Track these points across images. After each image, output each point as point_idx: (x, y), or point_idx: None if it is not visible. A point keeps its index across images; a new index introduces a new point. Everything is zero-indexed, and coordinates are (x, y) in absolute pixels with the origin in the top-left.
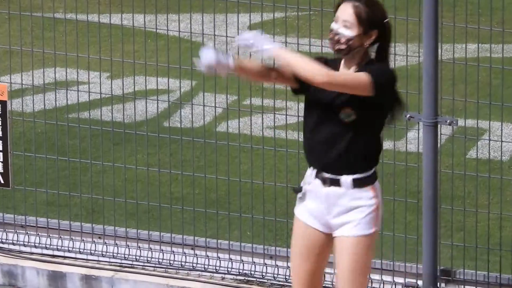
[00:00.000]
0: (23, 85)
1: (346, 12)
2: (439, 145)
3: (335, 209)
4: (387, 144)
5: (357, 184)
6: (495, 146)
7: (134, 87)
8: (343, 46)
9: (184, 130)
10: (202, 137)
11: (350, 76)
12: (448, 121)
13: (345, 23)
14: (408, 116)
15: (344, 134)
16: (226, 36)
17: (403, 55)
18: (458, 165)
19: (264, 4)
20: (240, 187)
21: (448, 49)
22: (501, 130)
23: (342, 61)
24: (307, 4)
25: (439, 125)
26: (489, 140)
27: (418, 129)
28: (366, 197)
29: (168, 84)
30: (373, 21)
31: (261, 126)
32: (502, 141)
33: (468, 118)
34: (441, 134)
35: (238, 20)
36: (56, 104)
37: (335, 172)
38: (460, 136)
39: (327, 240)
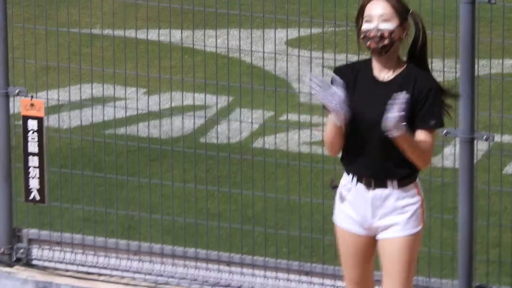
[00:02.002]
0: (60, 101)
1: (380, 7)
2: (475, 160)
3: (380, 211)
4: None
5: (402, 184)
6: None
7: (171, 103)
8: (386, 41)
9: (221, 146)
10: (239, 153)
11: (430, 147)
12: (484, 137)
13: (383, 17)
14: (444, 131)
15: (389, 145)
16: (263, 52)
17: (440, 70)
18: (494, 181)
19: (301, 20)
20: (276, 203)
21: (485, 65)
22: None
23: (374, 65)
24: (344, 20)
25: (475, 141)
26: None
27: (455, 145)
28: (410, 195)
29: (205, 99)
30: (405, 11)
31: (297, 142)
32: None
33: (504, 134)
34: (477, 149)
35: (275, 35)
36: (92, 120)
37: (380, 176)
38: (497, 152)
39: (371, 243)
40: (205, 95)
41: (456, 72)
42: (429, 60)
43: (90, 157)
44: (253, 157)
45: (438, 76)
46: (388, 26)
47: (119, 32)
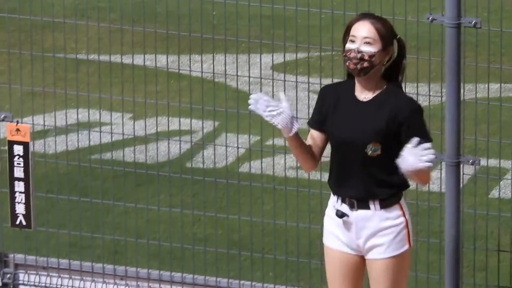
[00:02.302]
0: (46, 126)
1: (365, 29)
2: (461, 184)
3: (365, 232)
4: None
5: (385, 205)
6: None
7: (157, 128)
8: (366, 64)
9: (207, 170)
10: (225, 178)
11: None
12: (470, 161)
13: (366, 39)
14: None
15: (370, 164)
16: (249, 77)
17: (426, 95)
18: (480, 204)
19: (287, 45)
20: (262, 228)
21: (471, 89)
22: None
23: (356, 85)
24: (329, 45)
25: (461, 165)
26: None
27: (441, 169)
28: (394, 217)
29: (191, 124)
30: (390, 37)
31: (283, 167)
32: None
33: (490, 158)
34: (463, 174)
35: (261, 60)
36: (78, 145)
37: (362, 197)
38: (483, 176)
39: (360, 262)
40: (191, 120)
41: (442, 97)
42: (415, 84)
43: (76, 182)
44: (239, 181)
45: (424, 101)
46: (370, 49)
47: (104, 57)
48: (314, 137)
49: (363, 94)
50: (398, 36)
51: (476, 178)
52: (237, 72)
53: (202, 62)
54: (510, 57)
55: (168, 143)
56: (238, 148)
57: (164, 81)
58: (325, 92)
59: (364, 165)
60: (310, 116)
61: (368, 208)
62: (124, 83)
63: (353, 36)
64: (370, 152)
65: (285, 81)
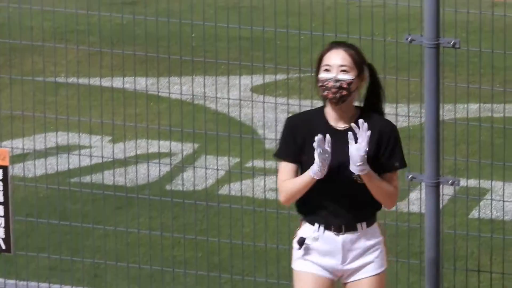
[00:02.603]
0: (25, 150)
1: (340, 57)
2: (441, 205)
3: (351, 255)
4: None
5: (370, 223)
6: (497, 206)
7: (136, 151)
8: (345, 92)
9: (187, 193)
10: (205, 200)
11: (396, 187)
12: (450, 181)
13: (342, 67)
14: (410, 176)
15: (357, 189)
16: (228, 99)
17: (405, 115)
18: (460, 225)
19: (266, 66)
20: (242, 250)
21: (450, 109)
22: (503, 190)
23: (329, 113)
24: (309, 66)
25: (441, 186)
26: (491, 200)
27: (421, 190)
28: (375, 233)
29: (170, 147)
30: (363, 63)
31: (263, 189)
32: (504, 201)
33: (470, 178)
34: (443, 194)
35: (240, 82)
36: (58, 168)
37: (349, 221)
38: (462, 196)
39: (334, 286)
40: (170, 142)
41: (421, 117)
42: (394, 105)
43: (56, 205)
44: (219, 204)
45: (403, 121)
46: (347, 77)
47: (83, 80)
48: (292, 170)
49: (339, 123)
50: (368, 62)
51: (455, 199)
52: (216, 94)
53: (181, 84)
54: (489, 77)
55: (148, 166)
56: (217, 170)
57: (143, 103)
58: (294, 123)
59: (351, 191)
60: (280, 149)
61: (355, 229)
62: (103, 106)
63: (328, 65)
64: (357, 179)
65: (264, 102)
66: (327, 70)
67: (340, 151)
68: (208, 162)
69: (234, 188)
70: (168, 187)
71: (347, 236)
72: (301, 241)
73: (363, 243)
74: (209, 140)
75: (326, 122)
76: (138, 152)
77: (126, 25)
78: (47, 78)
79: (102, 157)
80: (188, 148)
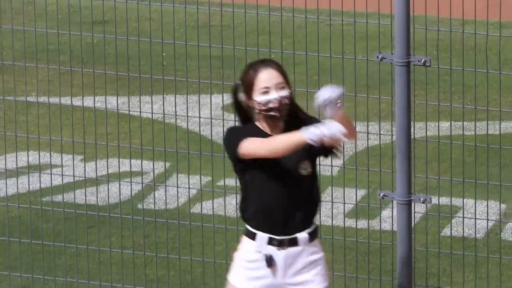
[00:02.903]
0: None
1: (274, 76)
2: (413, 223)
3: (292, 270)
4: (361, 223)
5: (311, 238)
6: (469, 223)
7: (108, 170)
8: (288, 106)
9: (158, 211)
10: (177, 219)
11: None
12: (421, 199)
13: (279, 85)
14: (381, 194)
15: (304, 189)
16: (199, 117)
17: (376, 133)
18: (432, 243)
19: None
20: (215, 268)
21: (421, 127)
22: (475, 207)
23: (261, 125)
24: None
25: (413, 203)
26: (463, 217)
27: (392, 208)
28: (316, 250)
29: (142, 166)
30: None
31: (235, 207)
32: (476, 219)
33: (442, 196)
34: (415, 212)
35: (211, 101)
36: (29, 187)
37: (291, 231)
38: (434, 214)
39: None
40: (141, 161)
41: (392, 135)
42: (366, 123)
43: (28, 224)
44: (191, 222)
45: (374, 139)
46: (286, 92)
47: (54, 99)
48: None
49: (274, 130)
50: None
51: (427, 216)
52: (187, 112)
53: (152, 103)
54: (460, 95)
55: (119, 185)
56: (189, 189)
57: (114, 122)
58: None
59: (291, 200)
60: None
61: (297, 244)
62: (75, 125)
63: (266, 87)
64: (303, 171)
65: (235, 121)
66: (265, 93)
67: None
68: (180, 180)
69: (206, 207)
70: (139, 206)
71: (289, 251)
72: (269, 259)
73: (305, 258)
74: (180, 159)
75: (261, 131)
76: (110, 171)
77: (97, 44)
78: (18, 97)
79: (74, 176)
80: (160, 166)
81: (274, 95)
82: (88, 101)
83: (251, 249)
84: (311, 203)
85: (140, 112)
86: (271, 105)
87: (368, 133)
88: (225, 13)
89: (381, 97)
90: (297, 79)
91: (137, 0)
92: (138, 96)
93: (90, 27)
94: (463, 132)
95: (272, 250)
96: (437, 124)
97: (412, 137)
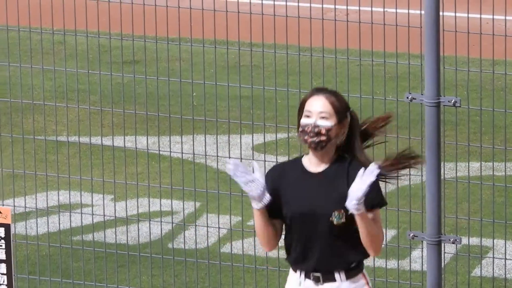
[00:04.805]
0: (27, 208)
1: (321, 104)
2: (443, 263)
3: None
4: (391, 263)
5: (350, 275)
6: (499, 264)
7: (138, 209)
8: (323, 138)
9: (188, 251)
10: (206, 258)
11: (381, 229)
12: (451, 240)
13: (322, 114)
14: (411, 235)
15: (335, 234)
16: (229, 157)
17: (406, 174)
18: (462, 283)
19: (267, 125)
20: None
21: (451, 168)
22: (505, 247)
23: (308, 159)
24: None
25: (443, 244)
26: (493, 258)
27: (422, 248)
28: (360, 286)
29: (172, 205)
30: (344, 110)
31: None
32: (506, 259)
33: (472, 236)
34: (445, 252)
35: (241, 141)
36: (60, 226)
37: (327, 269)
38: (464, 255)
39: None
40: (171, 201)
41: (422, 176)
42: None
43: (58, 263)
44: (221, 262)
45: (404, 180)
46: (326, 123)
47: (85, 139)
48: (273, 222)
49: (318, 167)
50: (351, 109)
51: (457, 257)
52: (217, 152)
53: (182, 143)
54: (490, 136)
55: (150, 224)
56: (219, 228)
57: (144, 162)
58: (269, 176)
59: (325, 237)
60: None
61: (334, 280)
62: (105, 164)
63: (309, 111)
64: (336, 220)
65: (265, 161)
66: (307, 116)
67: (315, 194)
68: (210, 220)
69: (236, 246)
70: (170, 245)
71: (325, 286)
72: None
73: None
74: (210, 199)
75: (302, 167)
76: (140, 211)
77: (127, 84)
78: (48, 136)
79: (104, 215)
80: (190, 206)
81: (311, 120)
82: (118, 141)
83: (293, 282)
84: (349, 249)
85: (170, 152)
86: (306, 129)
87: (398, 174)
88: (254, 53)
89: (411, 137)
90: None
91: (167, 40)
92: (168, 136)
93: (120, 67)
94: (493, 172)
95: (309, 284)
96: (467, 164)
97: (442, 177)
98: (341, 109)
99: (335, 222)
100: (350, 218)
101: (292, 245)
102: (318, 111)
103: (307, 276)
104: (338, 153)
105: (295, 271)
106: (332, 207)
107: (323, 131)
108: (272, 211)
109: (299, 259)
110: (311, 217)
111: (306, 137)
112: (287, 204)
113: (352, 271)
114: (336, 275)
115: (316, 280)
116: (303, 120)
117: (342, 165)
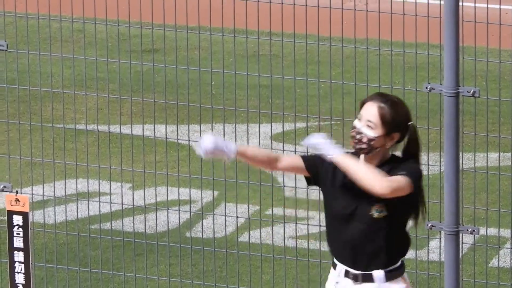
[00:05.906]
0: (45, 197)
1: (371, 112)
2: (461, 254)
3: None
4: (409, 253)
5: (389, 277)
6: None
7: (156, 198)
8: (364, 146)
9: (206, 240)
10: (224, 247)
11: (402, 182)
12: (469, 230)
13: (368, 123)
14: (429, 225)
15: (375, 229)
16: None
17: (425, 164)
18: (480, 274)
19: (286, 114)
20: None
21: (470, 158)
22: None
23: (362, 157)
24: (328, 114)
25: (460, 234)
26: (511, 248)
27: (440, 238)
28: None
29: (190, 194)
30: (397, 124)
31: (282, 236)
32: None
33: (490, 227)
34: (463, 242)
35: (259, 130)
36: (78, 215)
37: (367, 268)
38: (482, 245)
39: None
40: (190, 190)
41: (440, 166)
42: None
43: (76, 252)
44: (239, 251)
45: (423, 170)
46: (370, 133)
47: (103, 127)
48: (295, 161)
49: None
50: (410, 123)
51: (475, 247)
52: (236, 141)
53: (201, 131)
54: (508, 126)
55: (168, 213)
56: (237, 217)
57: (163, 151)
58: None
59: (362, 237)
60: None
61: (372, 281)
62: (123, 153)
63: (361, 114)
64: (376, 214)
65: (284, 150)
66: (359, 119)
67: (356, 191)
68: (228, 209)
69: (254, 236)
70: (187, 234)
71: (363, 286)
72: None
73: None
74: (228, 188)
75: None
76: (158, 199)
77: (146, 72)
78: (67, 125)
79: (122, 204)
80: (208, 195)
81: (358, 124)
82: (137, 129)
83: (332, 279)
84: (388, 246)
85: (189, 140)
86: (351, 132)
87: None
88: (274, 43)
89: (429, 127)
90: (345, 109)
91: (187, 29)
92: (187, 124)
93: (140, 56)
94: (511, 163)
95: (348, 282)
96: (485, 155)
97: (460, 168)
98: (393, 122)
99: (375, 216)
100: (393, 214)
101: (332, 241)
102: (366, 119)
103: (346, 275)
104: (393, 155)
105: (334, 269)
106: (373, 201)
107: (365, 139)
108: (312, 168)
109: (338, 256)
110: (345, 216)
111: (351, 139)
112: (332, 196)
113: (392, 273)
114: (375, 275)
115: (355, 279)
116: (355, 121)
117: (388, 162)
